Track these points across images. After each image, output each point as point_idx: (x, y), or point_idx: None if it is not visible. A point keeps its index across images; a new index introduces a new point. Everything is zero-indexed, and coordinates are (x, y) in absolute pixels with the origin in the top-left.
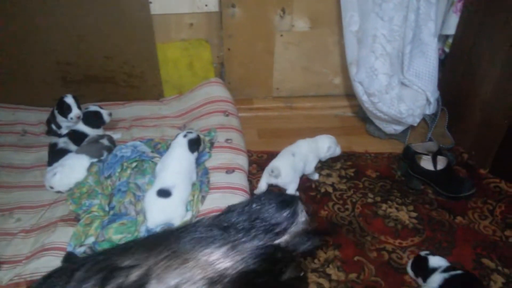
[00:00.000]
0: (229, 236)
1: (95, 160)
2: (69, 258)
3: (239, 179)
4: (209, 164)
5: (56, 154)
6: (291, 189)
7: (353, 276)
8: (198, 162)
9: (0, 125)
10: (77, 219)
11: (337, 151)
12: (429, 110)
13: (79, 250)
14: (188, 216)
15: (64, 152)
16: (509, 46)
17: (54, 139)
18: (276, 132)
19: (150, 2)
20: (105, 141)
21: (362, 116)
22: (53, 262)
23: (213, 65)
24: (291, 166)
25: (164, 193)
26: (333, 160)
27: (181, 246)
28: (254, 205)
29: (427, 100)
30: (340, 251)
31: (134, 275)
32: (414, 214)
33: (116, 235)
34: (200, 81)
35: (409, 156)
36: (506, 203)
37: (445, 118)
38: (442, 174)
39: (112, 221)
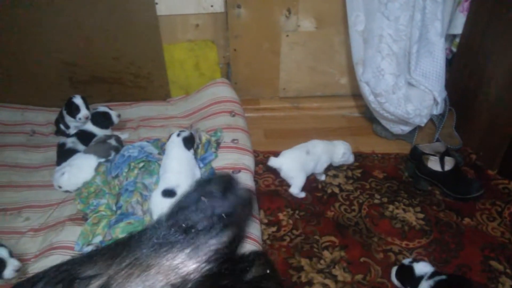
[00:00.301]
0: (191, 238)
1: (102, 160)
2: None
3: (245, 179)
4: (215, 164)
5: (64, 154)
6: (295, 185)
7: (359, 277)
8: (205, 162)
9: (9, 125)
10: (84, 218)
11: (351, 159)
12: (437, 111)
13: (87, 249)
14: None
15: (72, 152)
16: None
17: (62, 139)
18: (283, 132)
19: (156, 3)
20: (112, 141)
21: (369, 117)
22: (60, 260)
23: (219, 66)
24: (298, 162)
25: (169, 193)
26: None
27: (144, 252)
28: (202, 199)
29: (434, 100)
30: (346, 252)
31: (93, 286)
32: (421, 215)
33: (123, 234)
34: (207, 81)
35: (417, 157)
36: None
37: (453, 118)
38: (449, 175)
39: (119, 220)
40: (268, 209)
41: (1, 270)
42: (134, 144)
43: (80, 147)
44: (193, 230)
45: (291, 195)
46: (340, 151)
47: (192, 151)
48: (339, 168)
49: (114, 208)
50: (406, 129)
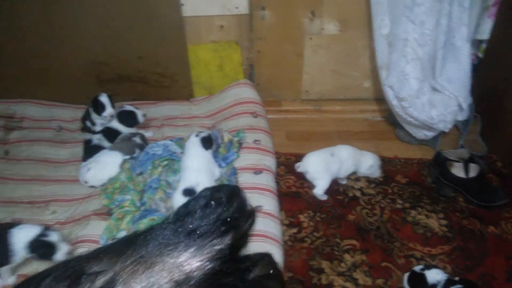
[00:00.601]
0: (194, 239)
1: (127, 157)
2: None
3: (267, 180)
4: (237, 164)
5: (90, 150)
6: (319, 186)
7: (380, 281)
8: (227, 162)
9: (37, 120)
10: (109, 213)
11: (377, 173)
12: (461, 116)
13: None
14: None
15: (98, 148)
16: None
17: (88, 136)
18: (305, 134)
19: (182, 4)
20: (137, 139)
21: (392, 121)
22: None
23: (242, 67)
24: (323, 164)
25: (189, 192)
26: None
27: (149, 250)
28: (212, 204)
29: (459, 106)
30: (368, 255)
31: (100, 281)
32: (444, 222)
33: None
34: (230, 82)
35: (440, 163)
36: None
37: (478, 124)
38: (474, 182)
39: (143, 216)
40: (289, 211)
41: (52, 253)
42: (158, 143)
43: (106, 144)
44: (197, 232)
45: (312, 197)
46: (367, 162)
47: (210, 150)
48: None
49: (138, 204)
50: (430, 134)
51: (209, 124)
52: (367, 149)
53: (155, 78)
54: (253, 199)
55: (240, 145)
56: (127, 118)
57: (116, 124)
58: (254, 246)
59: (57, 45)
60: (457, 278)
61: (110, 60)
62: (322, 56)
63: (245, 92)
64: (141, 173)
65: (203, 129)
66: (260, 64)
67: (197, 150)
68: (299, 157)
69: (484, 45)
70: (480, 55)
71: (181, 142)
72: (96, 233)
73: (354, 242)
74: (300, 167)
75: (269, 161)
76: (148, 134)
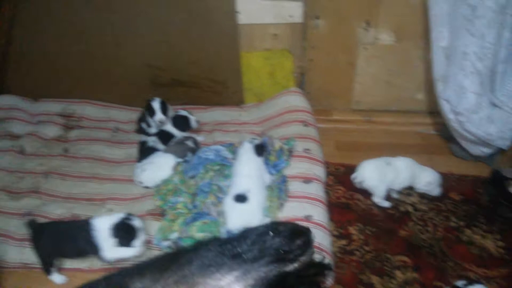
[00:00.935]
0: (240, 263)
1: (180, 160)
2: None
3: (316, 189)
4: (287, 172)
5: (145, 152)
6: (377, 194)
7: None
8: (277, 169)
9: (95, 120)
10: (162, 214)
11: (436, 191)
12: None
13: (164, 244)
14: (266, 221)
15: (153, 150)
16: None
17: (143, 137)
18: (355, 145)
19: (238, 12)
20: (190, 143)
21: (446, 135)
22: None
23: (293, 75)
24: (377, 172)
25: (240, 198)
26: None
27: (192, 270)
28: (270, 234)
29: None
30: (419, 273)
31: None
32: (501, 244)
33: (199, 233)
34: (280, 90)
35: (498, 181)
36: None
37: None
38: None
39: (195, 219)
40: (338, 222)
41: (133, 237)
42: (210, 147)
43: (160, 146)
44: (243, 257)
45: (362, 209)
46: (426, 179)
47: (262, 158)
48: None
49: (190, 206)
50: (487, 151)
51: (258, 130)
52: (419, 163)
53: (206, 83)
54: (303, 208)
55: (290, 153)
56: (181, 122)
57: (170, 128)
58: None
59: (116, 49)
60: None
61: (165, 64)
62: (375, 66)
63: (296, 100)
64: (193, 176)
65: (256, 136)
66: (312, 73)
67: (249, 156)
68: (348, 168)
69: None
70: None
71: (232, 147)
72: (150, 233)
73: (405, 258)
74: (357, 177)
75: (319, 171)
76: (199, 138)
